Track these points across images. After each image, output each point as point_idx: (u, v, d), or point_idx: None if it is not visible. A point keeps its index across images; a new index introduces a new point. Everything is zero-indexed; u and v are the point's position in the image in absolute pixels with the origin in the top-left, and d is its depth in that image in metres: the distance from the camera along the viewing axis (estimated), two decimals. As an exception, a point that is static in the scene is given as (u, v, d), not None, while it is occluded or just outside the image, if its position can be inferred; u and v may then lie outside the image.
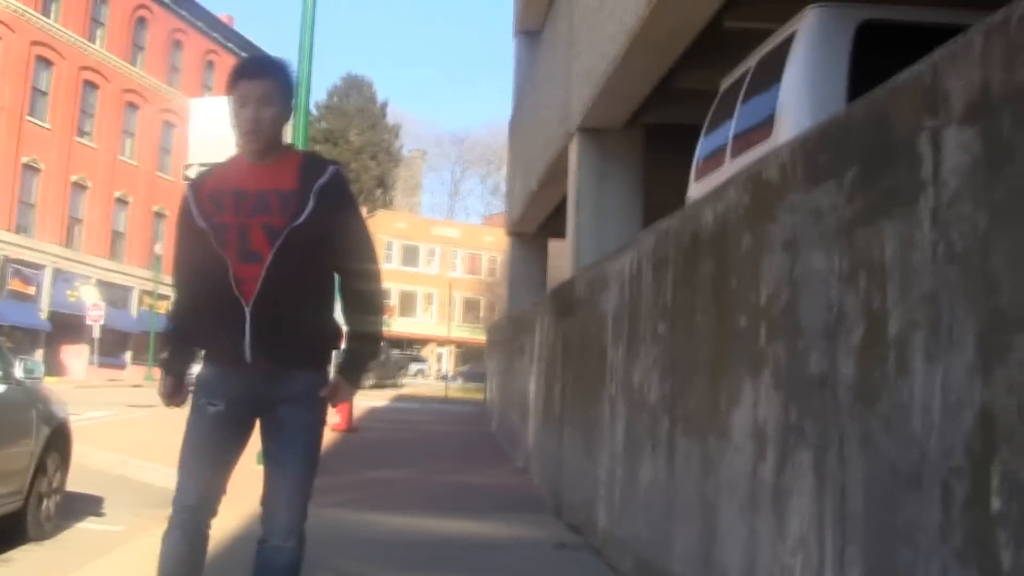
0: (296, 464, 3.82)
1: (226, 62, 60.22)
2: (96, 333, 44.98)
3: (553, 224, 17.46)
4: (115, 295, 51.13)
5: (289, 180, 3.79)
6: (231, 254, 3.69)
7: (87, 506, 8.93)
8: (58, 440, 7.84)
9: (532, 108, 16.95)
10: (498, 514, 8.54)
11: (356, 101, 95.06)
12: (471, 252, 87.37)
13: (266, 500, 3.84)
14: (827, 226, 3.18)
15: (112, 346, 49.11)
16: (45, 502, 7.60)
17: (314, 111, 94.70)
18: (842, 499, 2.96)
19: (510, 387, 14.88)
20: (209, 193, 3.82)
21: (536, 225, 19.99)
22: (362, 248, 3.97)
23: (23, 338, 42.28)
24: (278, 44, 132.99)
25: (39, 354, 38.51)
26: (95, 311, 45.68)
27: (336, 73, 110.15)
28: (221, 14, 61.98)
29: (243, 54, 62.37)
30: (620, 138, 11.26)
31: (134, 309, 53.65)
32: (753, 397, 3.80)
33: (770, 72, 6.54)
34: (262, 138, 3.81)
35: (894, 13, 6.14)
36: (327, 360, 4.03)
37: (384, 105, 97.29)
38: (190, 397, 3.99)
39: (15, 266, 44.01)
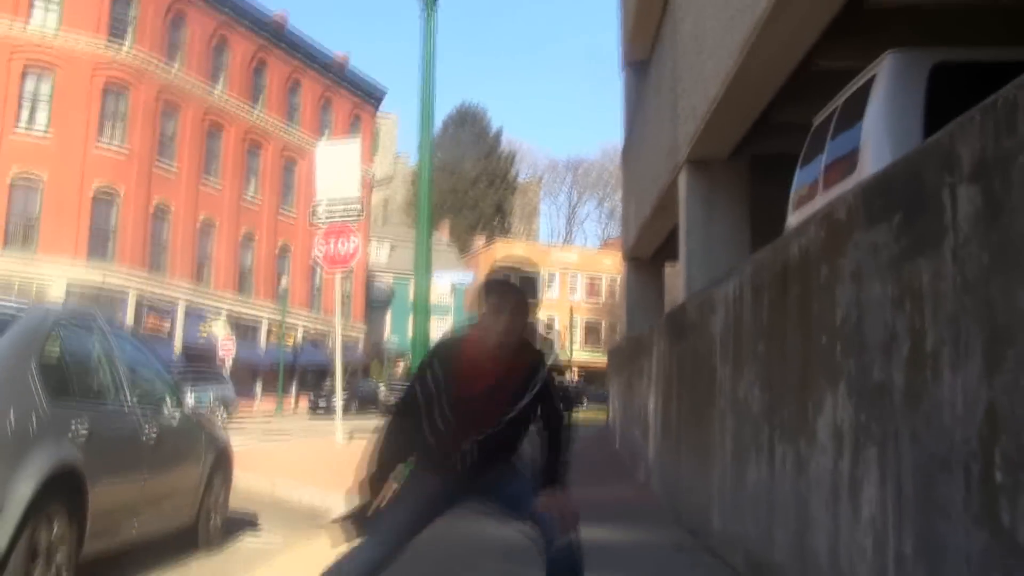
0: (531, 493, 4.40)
1: (340, 98, 62.04)
2: (228, 366, 46.48)
3: (668, 249, 17.96)
4: (244, 329, 52.80)
5: (520, 368, 4.36)
6: (462, 415, 4.29)
7: (245, 523, 9.79)
8: (222, 462, 8.74)
9: (642, 139, 17.61)
10: (623, 523, 9.18)
11: (470, 131, 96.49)
12: (590, 276, 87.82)
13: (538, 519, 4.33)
14: (881, 260, 3.83)
15: (243, 378, 50.61)
16: (213, 517, 8.49)
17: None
18: (898, 485, 3.61)
19: (631, 407, 15.53)
20: (465, 375, 4.30)
21: (651, 250, 20.53)
22: (558, 409, 4.54)
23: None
24: (392, 78, 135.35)
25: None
26: (226, 344, 47.25)
27: (450, 103, 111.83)
28: (336, 53, 63.65)
29: (357, 92, 64.16)
30: (726, 169, 11.84)
31: (263, 342, 55.24)
32: (833, 404, 4.45)
33: (854, 111, 7.15)
34: (511, 342, 4.32)
35: (965, 54, 6.71)
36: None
37: (498, 134, 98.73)
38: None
39: (149, 303, 45.85)
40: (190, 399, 8.36)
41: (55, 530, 5.64)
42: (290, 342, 55.42)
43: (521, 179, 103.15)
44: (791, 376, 5.26)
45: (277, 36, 56.96)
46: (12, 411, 5.43)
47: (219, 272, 52.19)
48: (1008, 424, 2.77)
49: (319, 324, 60.82)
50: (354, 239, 20.31)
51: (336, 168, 20.90)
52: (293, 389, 57.44)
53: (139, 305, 44.88)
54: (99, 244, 44.28)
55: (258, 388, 54.08)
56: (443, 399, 4.29)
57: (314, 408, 49.24)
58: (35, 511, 5.38)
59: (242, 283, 54.47)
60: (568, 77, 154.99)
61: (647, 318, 19.38)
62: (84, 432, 6.02)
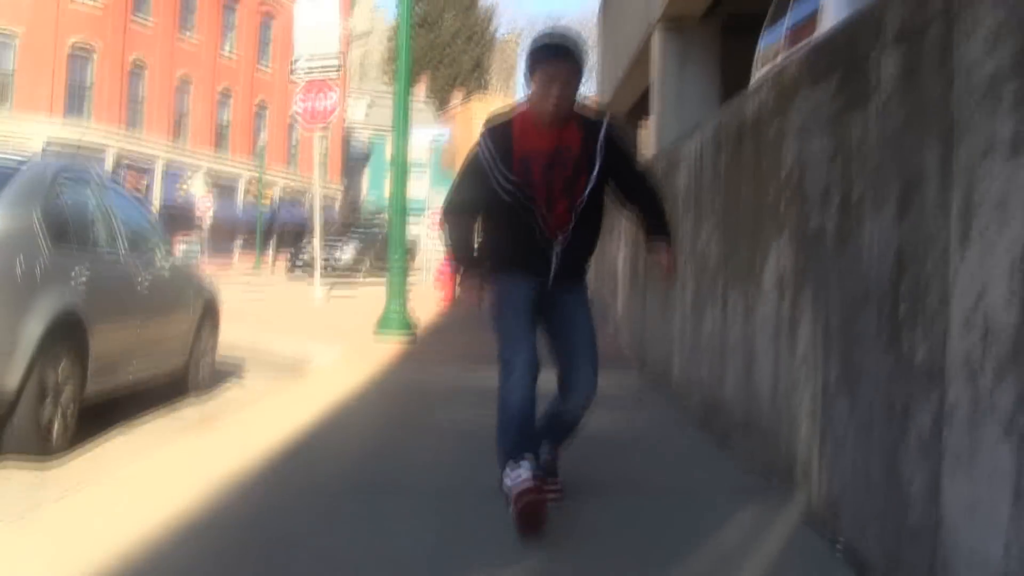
0: (587, 337, 4.51)
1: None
2: (206, 224, 46.65)
3: (642, 106, 18.11)
4: (222, 187, 52.82)
5: (575, 140, 4.27)
6: (540, 206, 4.25)
7: (230, 371, 10.26)
8: (210, 312, 9.16)
9: (617, 3, 17.75)
10: (589, 371, 9.66)
11: None
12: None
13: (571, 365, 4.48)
14: (821, 117, 4.20)
15: (221, 236, 50.79)
16: (201, 364, 8.93)
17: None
18: (827, 322, 4.03)
19: (601, 262, 15.97)
20: (518, 156, 4.24)
21: (627, 107, 20.72)
22: (639, 166, 4.60)
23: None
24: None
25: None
26: (205, 202, 47.36)
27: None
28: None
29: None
30: (698, 28, 12.05)
31: (240, 200, 55.32)
32: (777, 252, 4.86)
33: (818, -25, 7.42)
34: (562, 113, 4.22)
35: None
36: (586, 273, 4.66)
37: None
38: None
39: (128, 160, 45.80)
40: (179, 251, 8.72)
41: (60, 370, 6.06)
42: (268, 200, 55.48)
43: (500, 35, 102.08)
44: (743, 228, 5.65)
45: None
46: (20, 258, 5.81)
47: (197, 129, 51.97)
48: (911, 263, 3.17)
49: (297, 182, 60.81)
50: (332, 95, 20.47)
51: (315, 23, 20.94)
52: (271, 248, 57.71)
53: (117, 163, 44.80)
54: (76, 101, 44.01)
55: (236, 246, 54.32)
56: (513, 190, 4.24)
57: (292, 267, 49.49)
58: (43, 352, 5.79)
59: (220, 140, 54.27)
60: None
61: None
62: (84, 279, 6.41)
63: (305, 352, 11.66)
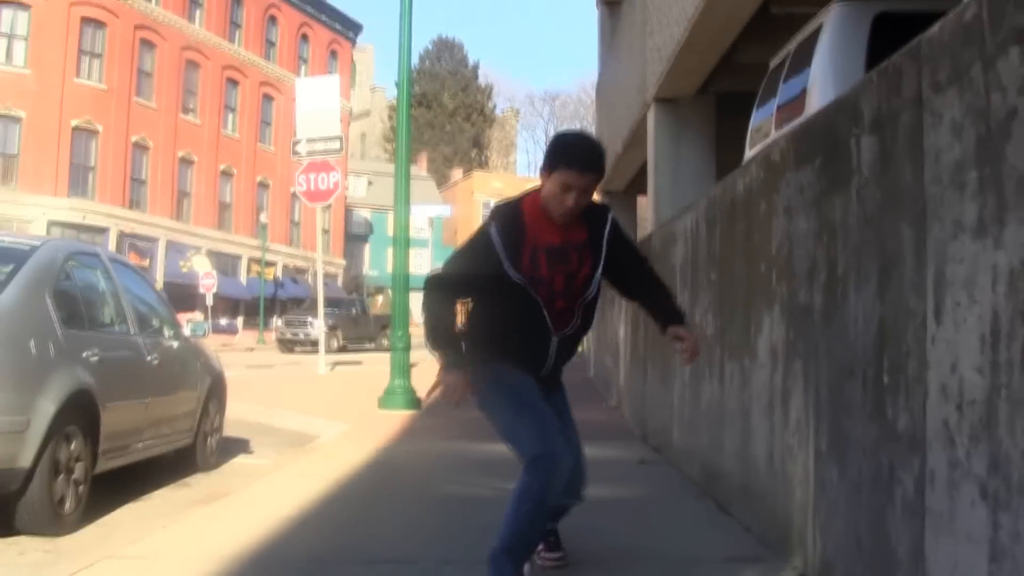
0: (572, 427, 4.49)
1: (317, 32, 61.94)
2: (209, 301, 46.86)
3: (640, 181, 18.38)
4: (224, 264, 53.19)
5: (579, 232, 4.27)
6: (543, 298, 4.18)
7: (237, 446, 10.39)
8: (217, 388, 9.33)
9: (614, 77, 18.07)
10: (594, 442, 9.75)
11: (448, 64, 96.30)
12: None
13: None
14: (807, 198, 4.40)
15: (224, 312, 50.98)
16: (209, 439, 9.08)
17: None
18: (817, 391, 4.20)
19: (604, 335, 16.16)
20: (529, 246, 4.18)
21: (625, 183, 21.04)
22: (641, 256, 4.63)
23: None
24: (368, 10, 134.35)
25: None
26: (207, 280, 47.60)
27: (426, 36, 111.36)
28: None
29: (334, 26, 63.95)
30: (692, 106, 12.35)
31: (243, 276, 55.66)
32: (769, 324, 5.03)
33: (804, 56, 7.68)
34: (573, 218, 4.22)
35: (905, 5, 7.22)
36: None
37: (476, 67, 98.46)
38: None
39: (131, 240, 46.19)
40: (187, 328, 8.90)
41: (73, 447, 6.22)
42: (270, 276, 55.79)
43: (498, 112, 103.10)
44: (737, 301, 5.83)
45: (253, -31, 56.88)
46: (33, 339, 5.99)
47: (199, 207, 52.50)
48: (892, 335, 3.35)
49: (298, 259, 61.21)
50: (334, 174, 20.78)
51: (316, 104, 21.31)
52: (274, 322, 57.88)
53: (120, 241, 45.18)
54: (79, 181, 44.59)
55: (239, 322, 54.52)
56: (522, 281, 4.15)
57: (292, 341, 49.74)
58: (56, 430, 5.95)
59: (222, 218, 54.78)
60: (545, 9, 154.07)
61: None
62: (95, 358, 6.58)
63: (310, 427, 11.83)
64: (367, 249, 79.00)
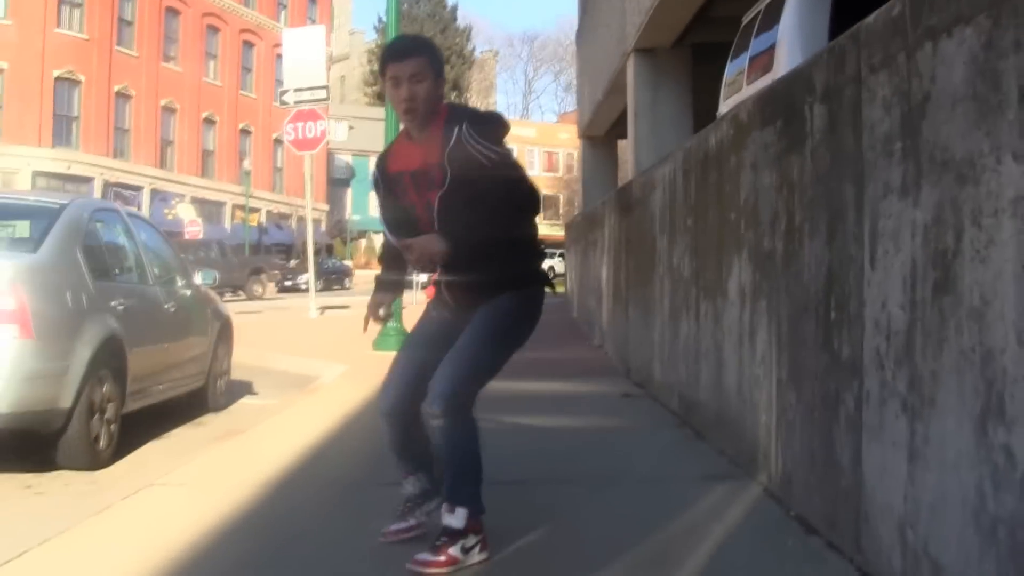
0: (464, 342, 3.98)
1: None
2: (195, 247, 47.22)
3: (621, 126, 18.83)
4: (209, 211, 53.47)
5: (436, 150, 3.92)
6: (423, 222, 4.01)
7: (242, 388, 10.95)
8: (225, 333, 9.90)
9: (594, 24, 18.52)
10: (579, 378, 10.44)
11: (426, 6, 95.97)
12: (548, 150, 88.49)
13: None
14: (769, 155, 4.96)
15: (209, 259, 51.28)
16: (219, 381, 9.66)
17: (384, 18, 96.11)
18: (779, 327, 4.79)
19: (587, 277, 16.75)
20: (393, 175, 4.12)
21: (605, 128, 21.50)
22: (492, 169, 3.94)
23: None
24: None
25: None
26: (192, 227, 47.93)
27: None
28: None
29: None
30: (670, 56, 12.85)
31: (228, 223, 56.00)
32: (738, 267, 5.61)
33: (774, 14, 8.21)
34: (419, 114, 3.95)
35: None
36: (527, 282, 4.20)
37: (454, 8, 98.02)
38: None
39: (115, 189, 46.48)
40: (197, 277, 9.45)
41: (105, 389, 6.79)
42: (254, 222, 56.16)
43: (477, 54, 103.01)
44: (711, 245, 6.41)
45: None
46: (69, 291, 6.55)
47: (182, 155, 52.77)
48: (838, 278, 3.93)
49: (282, 205, 61.61)
50: (321, 123, 21.20)
51: (302, 54, 21.68)
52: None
53: (105, 191, 45.48)
54: (63, 131, 44.83)
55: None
56: (398, 211, 4.13)
57: (281, 286, 50.51)
58: (91, 373, 6.52)
59: (205, 165, 55.06)
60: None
61: (602, 192, 20.46)
62: (122, 307, 7.14)
63: (310, 368, 12.40)
64: (349, 194, 79.19)
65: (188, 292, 9.03)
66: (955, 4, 2.91)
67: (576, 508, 4.95)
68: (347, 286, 49.39)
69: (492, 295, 4.03)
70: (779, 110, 4.82)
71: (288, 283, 50.15)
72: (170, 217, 49.42)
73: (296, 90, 21.19)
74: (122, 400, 7.08)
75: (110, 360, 6.85)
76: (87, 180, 44.67)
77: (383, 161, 4.24)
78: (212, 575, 3.99)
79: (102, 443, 6.74)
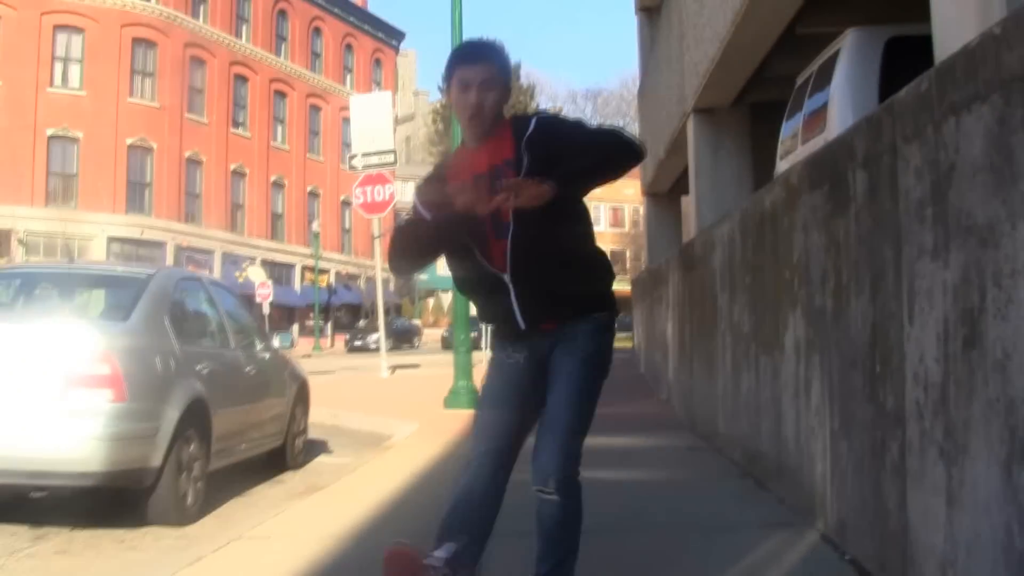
0: (560, 405, 3.77)
1: (361, 42, 63.05)
2: (266, 310, 47.99)
3: (683, 182, 19.15)
4: (279, 273, 54.43)
5: (508, 148, 3.72)
6: (488, 228, 3.70)
7: (318, 447, 11.31)
8: (302, 394, 10.27)
9: (655, 83, 18.90)
10: (646, 433, 10.67)
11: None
12: (613, 205, 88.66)
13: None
14: (818, 217, 5.23)
15: (280, 321, 52.13)
16: (296, 440, 10.02)
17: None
18: (831, 380, 5.03)
19: (652, 332, 17.00)
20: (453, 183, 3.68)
21: (668, 185, 21.82)
22: (588, 133, 3.84)
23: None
24: (409, 13, 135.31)
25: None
26: (263, 289, 48.79)
27: (469, 36, 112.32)
28: (355, -2, 64.81)
29: (378, 35, 65.18)
30: (728, 116, 13.17)
31: (297, 285, 56.90)
32: (793, 323, 5.86)
33: (826, 76, 8.49)
34: (486, 121, 3.73)
35: (915, 29, 8.00)
36: (604, 305, 4.01)
37: (518, 67, 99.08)
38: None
39: (187, 253, 47.51)
40: (275, 340, 9.85)
41: (192, 448, 7.16)
42: (323, 284, 57.04)
43: (541, 110, 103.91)
44: (768, 302, 6.66)
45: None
46: (158, 356, 6.94)
47: (252, 218, 53.90)
48: (880, 333, 4.18)
49: (350, 266, 62.46)
50: (389, 187, 21.71)
51: (370, 119, 22.26)
52: (328, 329, 59.19)
53: (177, 255, 46.53)
54: (136, 197, 46.11)
55: (295, 329, 55.77)
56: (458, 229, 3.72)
57: (351, 347, 51.43)
58: (179, 434, 6.90)
59: (274, 228, 56.13)
60: (587, 6, 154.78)
61: (667, 247, 20.78)
62: (206, 370, 7.53)
63: (383, 426, 12.74)
64: (416, 253, 79.88)
65: (266, 355, 9.42)
66: (973, 83, 3.19)
67: (646, 554, 5.20)
68: (416, 345, 49.89)
69: (568, 317, 3.83)
70: (825, 175, 5.09)
71: (358, 343, 51.20)
72: (240, 280, 50.36)
73: (364, 155, 21.73)
74: (207, 459, 7.44)
75: (196, 421, 7.22)
76: (160, 244, 45.79)
77: (440, 176, 3.87)
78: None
79: (189, 500, 7.10)
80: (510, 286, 3.74)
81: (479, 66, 3.76)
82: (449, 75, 3.82)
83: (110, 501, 7.00)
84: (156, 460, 6.68)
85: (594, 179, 3.77)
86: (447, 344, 53.78)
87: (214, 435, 7.54)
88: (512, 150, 3.70)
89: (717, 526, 5.94)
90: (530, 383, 3.87)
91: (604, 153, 3.73)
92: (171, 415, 6.84)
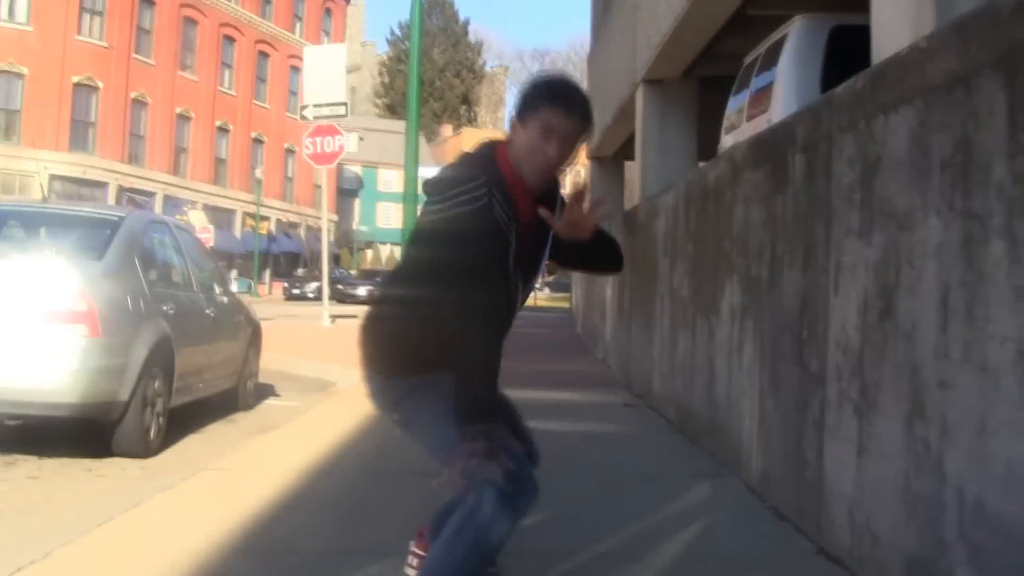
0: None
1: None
2: (206, 254, 47.96)
3: (628, 148, 19.47)
4: (220, 218, 54.30)
5: (532, 208, 3.22)
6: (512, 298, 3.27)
7: (266, 390, 11.67)
8: (255, 338, 10.63)
9: (605, 51, 19.25)
10: (583, 389, 11.15)
11: (438, 20, 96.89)
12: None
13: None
14: (760, 192, 5.68)
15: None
16: (248, 382, 10.38)
17: (397, 31, 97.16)
18: (762, 343, 5.51)
19: (591, 294, 17.51)
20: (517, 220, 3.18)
21: (613, 150, 22.18)
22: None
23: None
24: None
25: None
26: (204, 234, 48.67)
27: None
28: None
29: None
30: (677, 87, 13.57)
31: (238, 230, 56.83)
32: (730, 290, 6.33)
33: (772, 59, 8.94)
34: (551, 178, 3.29)
35: (858, 20, 8.45)
36: None
37: (466, 23, 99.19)
38: None
39: (129, 194, 47.30)
40: (234, 285, 10.17)
41: (156, 385, 7.51)
42: (264, 231, 57.04)
43: (488, 69, 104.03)
44: (708, 270, 7.13)
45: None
46: (129, 295, 7.28)
47: (195, 162, 53.65)
48: (809, 304, 4.65)
49: (291, 214, 62.46)
50: (339, 138, 21.93)
51: (323, 71, 22.39)
52: (267, 276, 59.27)
53: (118, 195, 46.32)
54: (79, 136, 45.67)
55: (233, 275, 55.71)
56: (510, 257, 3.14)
57: (289, 295, 51.57)
58: (146, 370, 7.25)
59: (217, 173, 55.91)
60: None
61: (610, 212, 21.22)
62: (172, 311, 7.87)
63: (327, 373, 13.14)
64: (357, 204, 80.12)
65: (225, 299, 9.76)
66: (900, 87, 3.64)
67: (583, 496, 5.66)
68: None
69: None
70: (768, 155, 5.55)
71: (296, 291, 51.34)
72: (182, 221, 50.26)
73: (315, 105, 21.91)
74: (169, 395, 7.79)
75: (161, 359, 7.56)
76: (102, 185, 45.54)
77: (508, 195, 3.16)
78: (280, 541, 4.69)
79: (152, 434, 7.45)
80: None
81: (575, 120, 3.21)
82: (534, 104, 3.21)
83: (77, 431, 7.33)
84: (124, 394, 7.03)
85: (593, 264, 3.86)
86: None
87: (176, 373, 7.88)
88: (534, 212, 3.21)
89: (651, 475, 6.42)
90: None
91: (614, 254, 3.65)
92: (140, 352, 7.18)
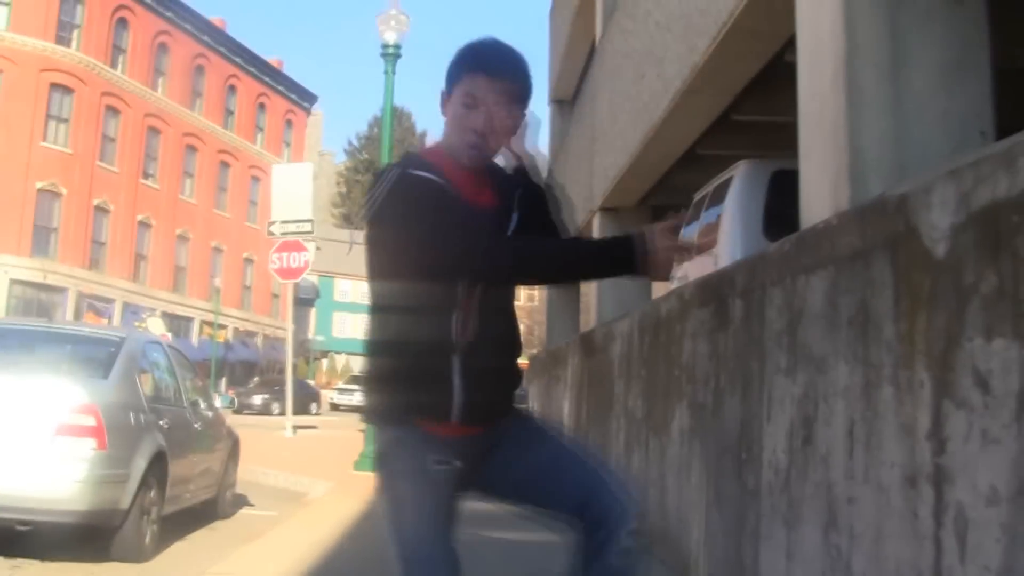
0: (567, 447, 3.36)
1: (276, 104, 63.99)
2: (164, 362, 48.17)
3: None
4: (178, 326, 54.59)
5: (488, 194, 3.02)
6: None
7: (240, 500, 12.24)
8: (234, 450, 11.26)
9: (564, 174, 20.22)
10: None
11: (396, 132, 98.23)
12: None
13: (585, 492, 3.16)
14: (705, 328, 6.46)
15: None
16: (227, 492, 10.98)
17: (355, 143, 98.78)
18: (708, 462, 6.24)
19: (548, 407, 18.18)
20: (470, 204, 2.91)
21: (569, 268, 23.03)
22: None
23: (99, 367, 45.76)
24: (319, 75, 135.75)
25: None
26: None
27: (376, 105, 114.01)
28: (271, 58, 65.76)
29: (291, 96, 66.04)
30: (632, 215, 14.48)
31: (195, 338, 57.11)
32: (680, 413, 7.08)
33: (719, 199, 9.83)
34: (489, 152, 3.01)
35: (796, 164, 9.37)
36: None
37: (423, 135, 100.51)
38: None
39: (89, 300, 47.69)
40: (217, 401, 10.83)
41: (152, 494, 8.13)
42: (221, 339, 57.40)
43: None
44: (659, 393, 7.87)
45: (217, 40, 58.93)
46: (131, 411, 7.94)
47: (155, 270, 54.16)
48: (746, 429, 5.40)
49: (249, 323, 62.89)
50: (304, 254, 22.73)
51: (291, 188, 23.29)
52: (223, 384, 59.47)
53: (79, 302, 46.72)
54: (42, 241, 46.12)
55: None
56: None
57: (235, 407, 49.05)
58: (144, 481, 7.88)
59: (177, 280, 56.42)
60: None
61: (565, 331, 22.00)
62: (166, 425, 8.52)
63: (297, 484, 13.71)
64: (312, 314, 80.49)
65: (210, 413, 10.41)
66: (818, 253, 4.44)
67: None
68: (314, 411, 47.05)
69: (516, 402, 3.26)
70: (712, 296, 6.33)
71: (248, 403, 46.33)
72: (140, 329, 50.57)
73: (283, 222, 22.72)
74: (162, 504, 8.41)
75: (157, 470, 8.20)
76: (62, 290, 45.94)
77: (449, 182, 2.85)
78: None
79: (147, 539, 8.05)
80: (458, 360, 2.91)
81: (504, 82, 2.95)
82: (457, 75, 2.97)
83: (78, 538, 7.90)
84: (126, 503, 7.64)
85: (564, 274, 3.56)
86: (336, 407, 54.09)
87: (169, 482, 8.50)
88: (494, 198, 3.03)
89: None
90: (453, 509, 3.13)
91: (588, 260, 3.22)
92: (139, 463, 7.82)
